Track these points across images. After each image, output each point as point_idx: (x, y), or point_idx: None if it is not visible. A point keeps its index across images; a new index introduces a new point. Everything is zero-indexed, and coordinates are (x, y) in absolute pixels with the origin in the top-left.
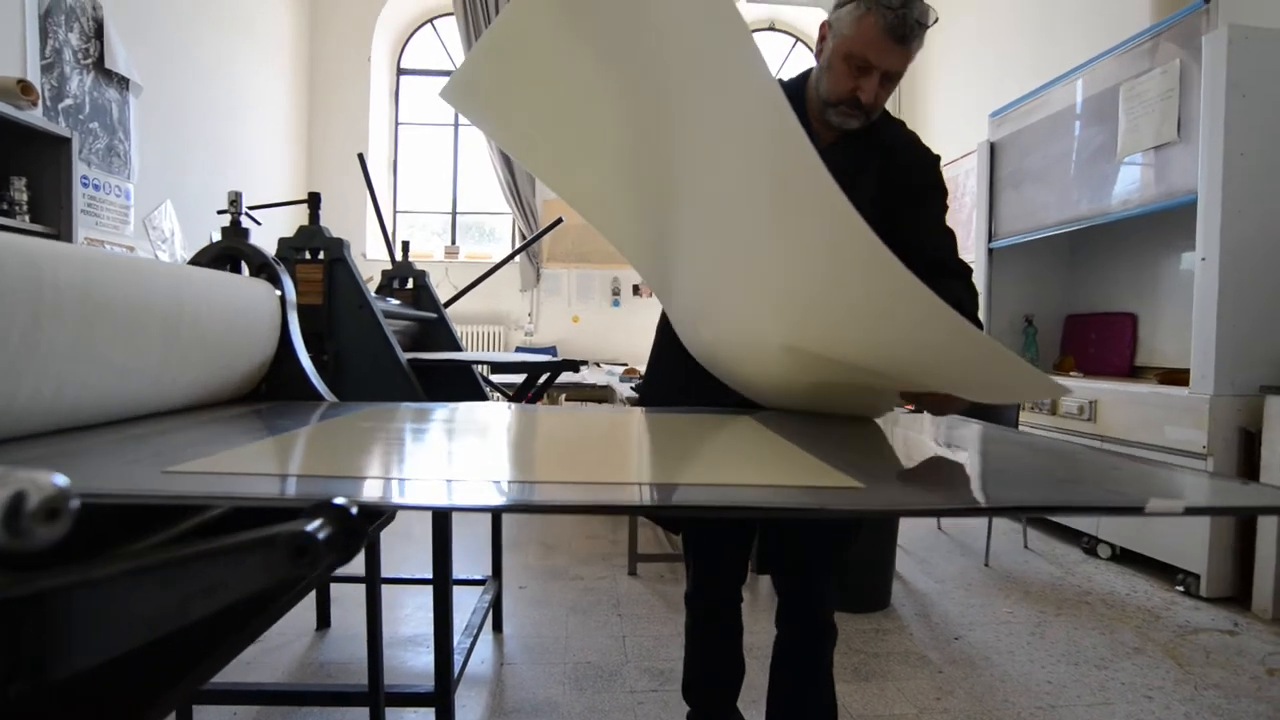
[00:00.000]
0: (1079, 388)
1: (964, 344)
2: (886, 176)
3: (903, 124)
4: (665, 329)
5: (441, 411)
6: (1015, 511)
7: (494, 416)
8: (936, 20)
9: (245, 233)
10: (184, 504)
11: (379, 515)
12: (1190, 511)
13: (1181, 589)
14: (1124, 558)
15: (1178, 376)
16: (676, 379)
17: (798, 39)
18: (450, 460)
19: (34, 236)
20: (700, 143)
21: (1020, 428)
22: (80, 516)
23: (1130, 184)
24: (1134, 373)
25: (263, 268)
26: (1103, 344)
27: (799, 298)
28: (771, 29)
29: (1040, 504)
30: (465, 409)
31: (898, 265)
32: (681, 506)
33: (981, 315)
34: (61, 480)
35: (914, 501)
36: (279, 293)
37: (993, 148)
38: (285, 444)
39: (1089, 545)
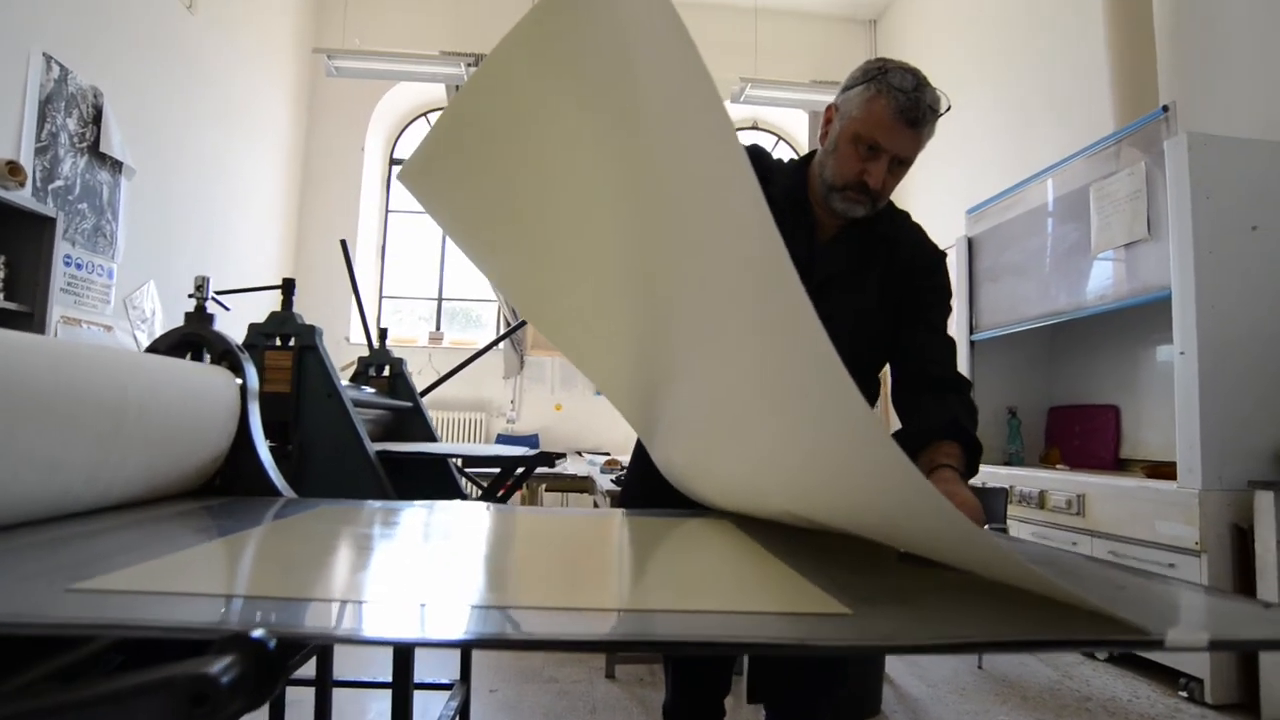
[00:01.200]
0: (1066, 481)
1: (970, 547)
2: (890, 271)
3: (908, 215)
4: None
5: (405, 513)
6: (1022, 648)
7: (459, 520)
8: (949, 108)
9: (210, 318)
10: (63, 635)
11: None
12: (1215, 646)
13: (1185, 695)
14: (1123, 659)
15: (1164, 470)
16: (659, 475)
17: (780, 138)
18: (409, 575)
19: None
20: (688, 269)
21: (1009, 521)
22: None
23: (1105, 279)
24: (1120, 465)
25: (225, 355)
26: (1087, 436)
27: (798, 476)
28: (755, 128)
29: (1049, 638)
30: (430, 511)
31: (909, 467)
32: (657, 643)
33: None
34: None
35: (905, 634)
36: (239, 381)
37: (970, 243)
38: (223, 551)
39: None
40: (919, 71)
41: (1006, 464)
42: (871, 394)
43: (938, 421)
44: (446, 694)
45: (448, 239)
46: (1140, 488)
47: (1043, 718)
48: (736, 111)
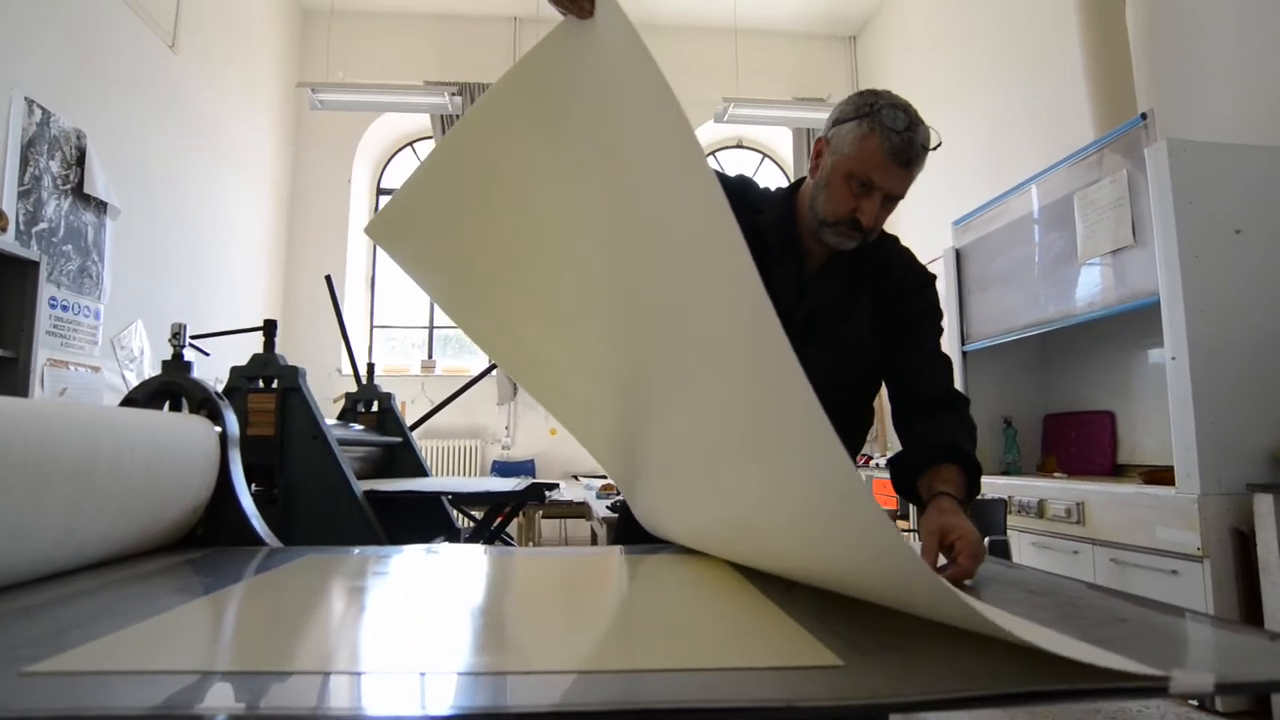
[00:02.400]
0: (1064, 489)
1: (950, 610)
2: (880, 295)
3: (896, 240)
4: None
5: (392, 561)
6: (1021, 701)
7: (446, 570)
8: (939, 145)
9: (188, 366)
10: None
11: None
12: (1222, 689)
13: (1196, 703)
14: None
15: (1162, 475)
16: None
17: (765, 155)
18: (394, 639)
19: None
20: (671, 319)
21: (1009, 531)
22: None
23: (1093, 286)
24: (1117, 471)
25: (204, 403)
26: (1083, 442)
27: (783, 534)
28: (740, 146)
29: (1051, 689)
30: (418, 559)
31: (882, 517)
32: (647, 711)
33: None
34: None
35: (898, 688)
36: (218, 429)
37: (958, 254)
38: (197, 616)
39: None
40: (910, 108)
41: (1004, 473)
42: (866, 421)
43: (934, 444)
44: None
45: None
46: (1139, 494)
47: None
48: (720, 131)
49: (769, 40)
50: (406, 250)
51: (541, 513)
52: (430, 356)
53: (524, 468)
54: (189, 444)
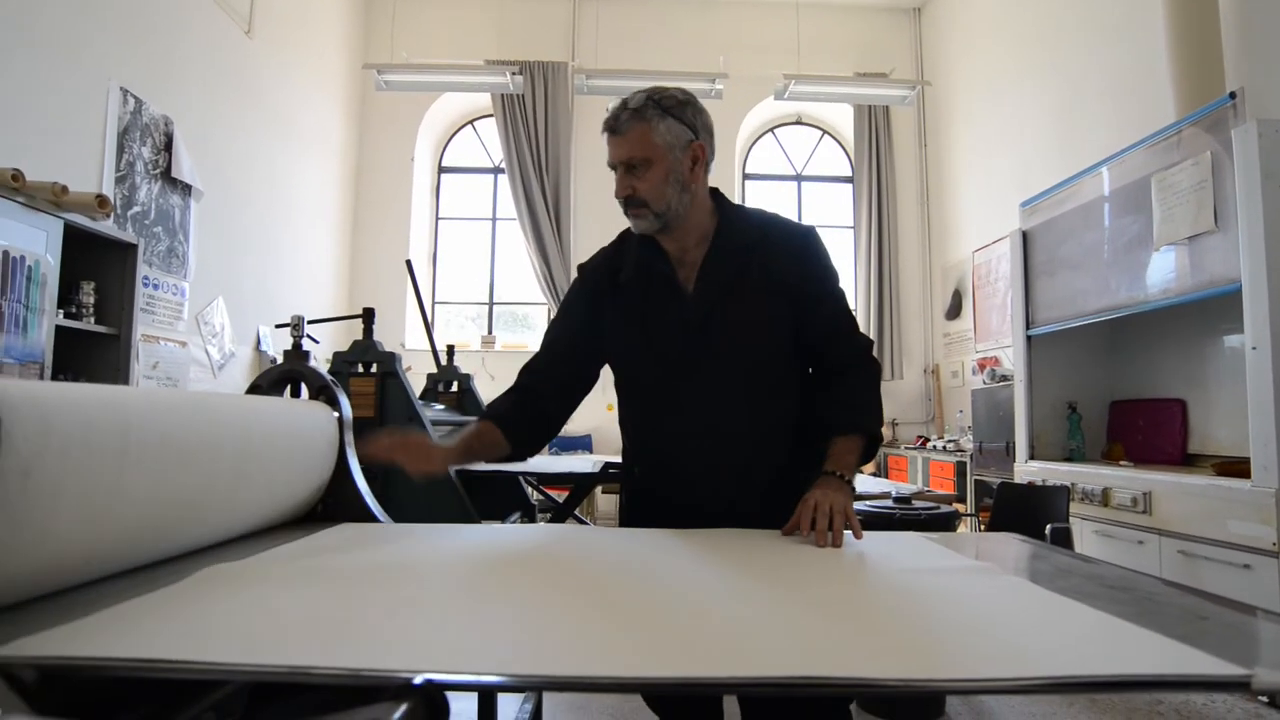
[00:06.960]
0: (1131, 478)
1: None
2: (772, 274)
3: (761, 210)
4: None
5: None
6: (1105, 689)
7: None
8: (654, 97)
9: (306, 355)
10: (266, 679)
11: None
12: None
13: (1266, 700)
14: None
15: (1237, 467)
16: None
17: (825, 132)
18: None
19: (103, 337)
20: None
21: (1071, 519)
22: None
23: (1168, 272)
24: (1187, 461)
25: (321, 389)
26: (1151, 431)
27: None
28: (799, 123)
29: (1131, 678)
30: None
31: None
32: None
33: (1021, 402)
34: None
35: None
36: (336, 414)
37: (1025, 236)
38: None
39: None
40: (633, 95)
41: (1067, 460)
42: (789, 408)
43: (827, 421)
44: (521, 695)
45: (497, 242)
46: (1211, 485)
47: (1111, 719)
48: (780, 107)
49: (831, 14)
50: None
51: (601, 489)
52: (490, 332)
53: (581, 442)
54: (315, 428)
